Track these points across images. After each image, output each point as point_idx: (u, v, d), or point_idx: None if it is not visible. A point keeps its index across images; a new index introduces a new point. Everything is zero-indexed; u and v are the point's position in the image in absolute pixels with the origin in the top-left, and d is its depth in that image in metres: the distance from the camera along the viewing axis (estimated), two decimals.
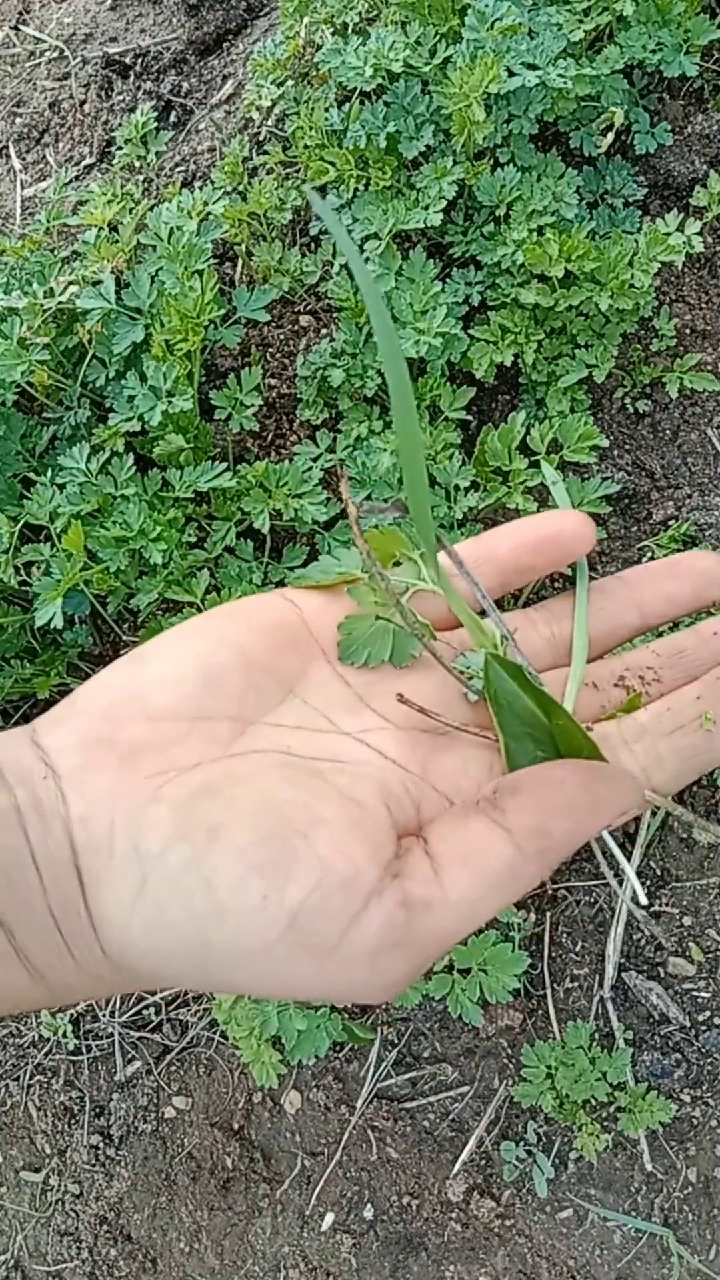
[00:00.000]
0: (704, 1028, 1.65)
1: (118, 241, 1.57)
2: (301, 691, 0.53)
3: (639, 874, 1.70)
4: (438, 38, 1.49)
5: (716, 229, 1.71)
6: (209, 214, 1.55)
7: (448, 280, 1.58)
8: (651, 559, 1.70)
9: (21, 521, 1.46)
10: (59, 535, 1.43)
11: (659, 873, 1.71)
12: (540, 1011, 1.68)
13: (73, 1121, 1.76)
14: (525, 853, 0.45)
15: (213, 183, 1.72)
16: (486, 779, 0.53)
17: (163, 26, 2.02)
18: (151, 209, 1.59)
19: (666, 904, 1.69)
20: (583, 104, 1.56)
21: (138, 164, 1.85)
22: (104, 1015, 1.75)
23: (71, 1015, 1.76)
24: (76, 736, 0.48)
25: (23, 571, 1.49)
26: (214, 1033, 1.73)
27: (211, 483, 1.46)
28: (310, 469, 1.55)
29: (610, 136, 1.56)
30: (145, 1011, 1.76)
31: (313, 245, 1.71)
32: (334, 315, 1.70)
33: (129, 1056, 1.76)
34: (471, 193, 1.53)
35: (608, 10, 1.46)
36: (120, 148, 1.85)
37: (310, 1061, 1.59)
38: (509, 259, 1.49)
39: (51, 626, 1.40)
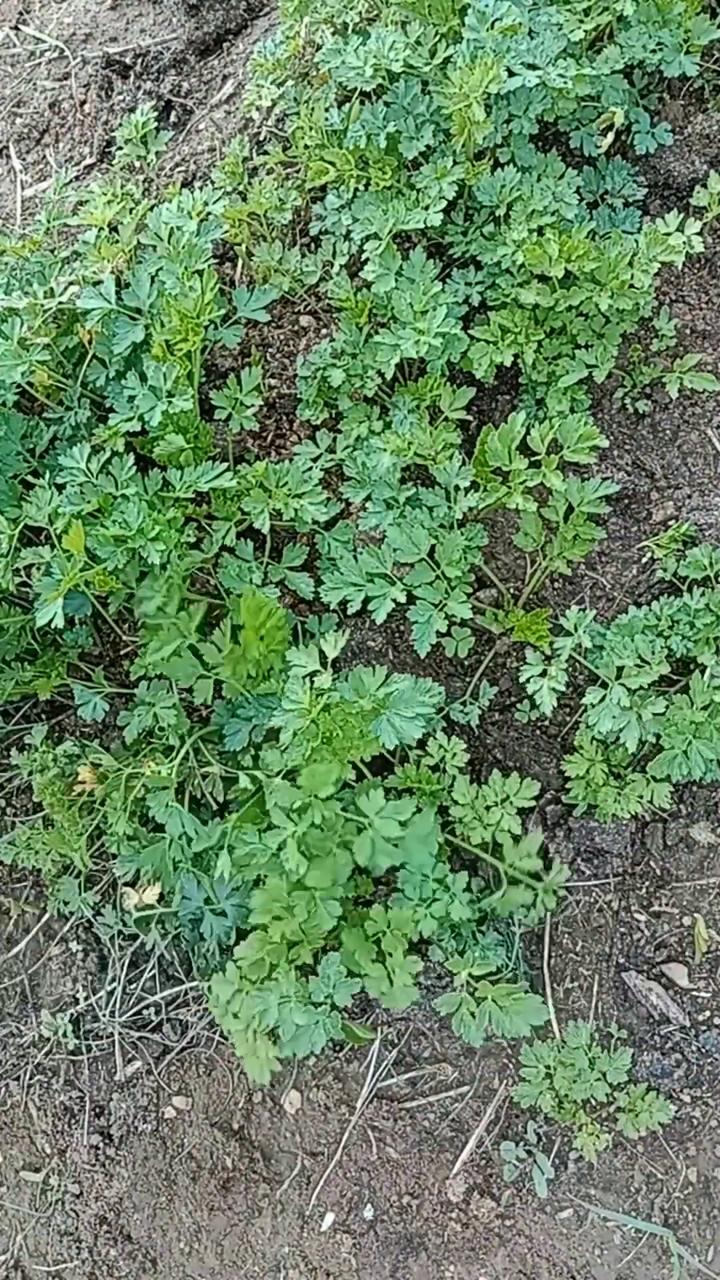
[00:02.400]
0: (704, 1028, 1.65)
1: (118, 241, 1.57)
2: None
3: (640, 874, 1.70)
4: (438, 38, 1.49)
5: (716, 229, 1.71)
6: (209, 214, 1.55)
7: (448, 280, 1.58)
8: (651, 559, 1.70)
9: (21, 524, 1.47)
10: (59, 536, 1.43)
11: (659, 873, 1.71)
12: None
13: (73, 1121, 1.76)
14: None
15: (213, 183, 1.72)
16: None
17: (163, 26, 2.02)
18: (151, 209, 1.60)
19: (666, 904, 1.69)
20: (583, 104, 1.56)
21: (138, 164, 1.85)
22: (104, 1015, 1.75)
23: (71, 1015, 1.76)
24: None
25: (22, 573, 1.49)
26: (214, 1032, 1.74)
27: (212, 483, 1.46)
28: (310, 469, 1.56)
29: (610, 136, 1.56)
30: (145, 1011, 1.76)
31: (313, 245, 1.71)
32: (334, 315, 1.70)
33: (129, 1056, 1.76)
34: (471, 193, 1.53)
35: (608, 10, 1.47)
36: (120, 148, 1.85)
37: (310, 1061, 1.59)
38: (509, 259, 1.49)
39: (52, 627, 1.40)
